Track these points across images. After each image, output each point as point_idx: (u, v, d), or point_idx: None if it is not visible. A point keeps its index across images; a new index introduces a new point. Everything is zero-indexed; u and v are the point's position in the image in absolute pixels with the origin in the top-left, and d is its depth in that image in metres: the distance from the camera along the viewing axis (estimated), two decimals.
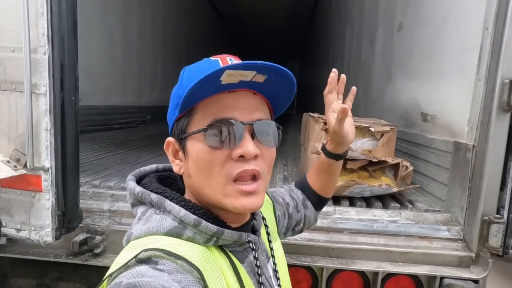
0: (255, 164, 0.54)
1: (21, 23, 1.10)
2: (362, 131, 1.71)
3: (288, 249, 1.34)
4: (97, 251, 1.37)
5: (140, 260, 0.47)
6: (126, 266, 0.47)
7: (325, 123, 1.71)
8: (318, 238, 1.35)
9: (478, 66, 1.37)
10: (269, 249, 0.69)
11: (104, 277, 0.49)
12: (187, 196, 0.61)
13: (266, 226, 0.71)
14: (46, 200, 1.23)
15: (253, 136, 0.54)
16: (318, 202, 0.94)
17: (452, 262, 1.33)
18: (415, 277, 1.32)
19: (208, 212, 0.57)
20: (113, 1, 3.87)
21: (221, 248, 0.57)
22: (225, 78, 0.50)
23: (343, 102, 0.85)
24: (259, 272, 0.60)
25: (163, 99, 5.77)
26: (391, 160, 1.61)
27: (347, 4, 4.36)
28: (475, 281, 1.27)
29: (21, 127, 1.24)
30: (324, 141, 0.90)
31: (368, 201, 1.59)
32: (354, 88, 0.89)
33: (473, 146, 1.35)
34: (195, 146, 0.55)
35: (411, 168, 1.65)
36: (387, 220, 1.42)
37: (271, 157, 0.58)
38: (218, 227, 0.54)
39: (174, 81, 0.60)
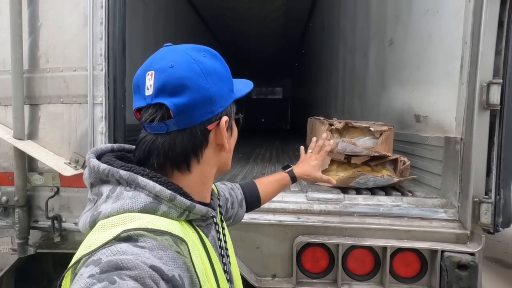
0: None
1: (88, 47, 1.34)
2: (362, 131, 1.95)
3: (306, 231, 1.55)
4: None
5: (120, 239, 0.46)
6: (103, 246, 0.45)
7: (330, 124, 1.95)
8: (332, 220, 1.57)
9: (461, 73, 1.64)
10: (221, 229, 0.73)
11: (72, 263, 0.46)
12: (201, 176, 0.64)
13: (220, 206, 0.78)
14: None
15: None
16: (254, 205, 1.05)
17: (450, 239, 1.54)
18: (418, 252, 1.54)
19: (178, 187, 0.59)
20: None
21: (190, 222, 0.60)
22: None
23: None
24: (221, 245, 0.65)
25: None
26: (391, 155, 1.85)
27: (339, 22, 4.70)
28: (472, 254, 1.48)
29: (79, 133, 1.46)
30: (292, 167, 1.14)
31: (372, 192, 1.81)
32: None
33: (461, 138, 1.59)
34: (235, 127, 0.70)
35: (408, 162, 1.89)
36: (391, 204, 1.64)
37: None
38: (191, 201, 0.57)
39: None
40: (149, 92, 0.57)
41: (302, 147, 1.21)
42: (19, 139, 1.61)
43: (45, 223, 1.63)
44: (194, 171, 0.62)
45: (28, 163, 1.67)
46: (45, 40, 1.60)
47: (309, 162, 1.14)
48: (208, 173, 0.65)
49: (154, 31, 3.67)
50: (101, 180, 0.57)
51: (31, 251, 1.73)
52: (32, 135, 1.64)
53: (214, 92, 0.59)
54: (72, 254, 0.48)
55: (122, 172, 0.55)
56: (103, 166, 0.56)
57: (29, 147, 1.55)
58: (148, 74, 0.58)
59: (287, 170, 1.12)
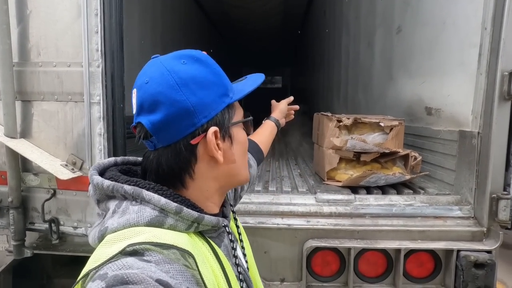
0: None
1: (82, 42, 1.24)
2: (372, 126, 1.86)
3: (316, 234, 1.49)
4: None
5: (125, 253, 0.46)
6: (109, 260, 0.45)
7: (338, 121, 1.86)
8: (343, 223, 1.49)
9: (479, 62, 1.54)
10: (237, 234, 0.73)
11: (80, 277, 0.47)
12: (200, 191, 0.60)
13: (233, 212, 0.75)
14: None
15: None
16: (261, 158, 1.11)
17: (466, 237, 1.48)
18: (432, 252, 1.47)
19: (186, 199, 0.58)
20: None
21: (200, 234, 0.59)
22: None
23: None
24: (235, 254, 0.63)
25: None
26: (401, 151, 1.76)
27: (342, 10, 4.55)
28: (488, 252, 1.42)
29: (76, 134, 1.37)
30: (272, 116, 1.26)
31: (383, 190, 1.74)
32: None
33: (478, 133, 1.51)
34: (241, 132, 0.64)
35: (419, 158, 1.81)
36: (404, 204, 1.57)
37: None
38: (199, 213, 0.56)
39: None
40: (134, 110, 0.58)
41: (273, 100, 1.33)
42: (11, 137, 1.52)
43: (42, 226, 1.56)
44: (190, 187, 0.60)
45: (22, 163, 1.59)
46: (35, 30, 1.49)
47: (279, 106, 1.28)
48: (209, 188, 0.61)
49: (152, 22, 3.54)
50: (107, 195, 0.57)
51: (27, 253, 1.66)
52: (25, 134, 1.55)
53: (191, 103, 0.55)
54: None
55: (127, 187, 0.54)
56: (107, 182, 0.56)
57: (22, 147, 1.47)
58: (133, 92, 0.58)
59: (273, 120, 1.23)
